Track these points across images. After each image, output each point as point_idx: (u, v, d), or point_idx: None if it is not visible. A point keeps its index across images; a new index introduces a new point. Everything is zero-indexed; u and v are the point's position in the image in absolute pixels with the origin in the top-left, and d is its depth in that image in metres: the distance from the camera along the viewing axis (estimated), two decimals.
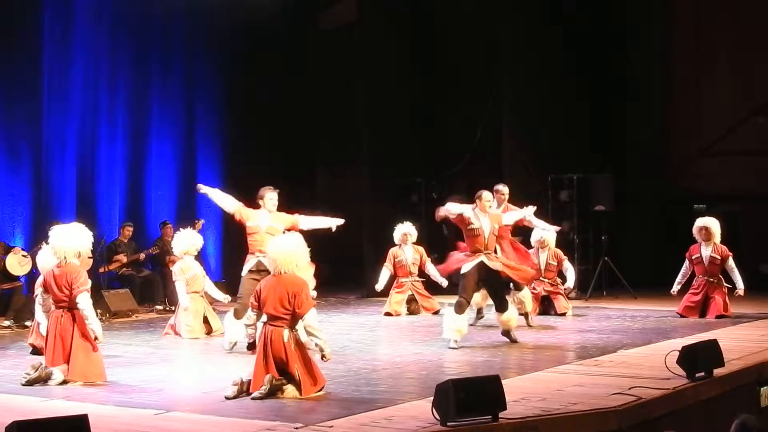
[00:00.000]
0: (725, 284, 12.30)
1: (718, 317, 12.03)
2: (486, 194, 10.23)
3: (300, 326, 7.68)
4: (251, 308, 7.82)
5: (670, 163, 16.43)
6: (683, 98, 16.79)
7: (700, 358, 7.83)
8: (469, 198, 10.52)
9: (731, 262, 12.23)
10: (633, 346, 9.78)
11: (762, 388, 8.38)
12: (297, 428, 6.31)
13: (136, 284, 14.21)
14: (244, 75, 16.62)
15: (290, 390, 7.39)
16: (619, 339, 10.34)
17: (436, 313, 13.05)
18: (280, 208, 10.17)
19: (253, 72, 16.62)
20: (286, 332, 7.46)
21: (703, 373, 7.78)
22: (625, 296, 14.42)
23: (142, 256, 14.57)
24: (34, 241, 13.60)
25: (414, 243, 13.59)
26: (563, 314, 12.61)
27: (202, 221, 14.21)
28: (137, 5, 15.38)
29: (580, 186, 15.30)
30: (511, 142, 15.67)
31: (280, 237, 7.85)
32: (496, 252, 10.54)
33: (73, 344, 8.18)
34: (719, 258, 12.21)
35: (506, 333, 10.32)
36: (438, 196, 16.93)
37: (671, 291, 12.51)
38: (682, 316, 12.29)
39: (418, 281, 13.51)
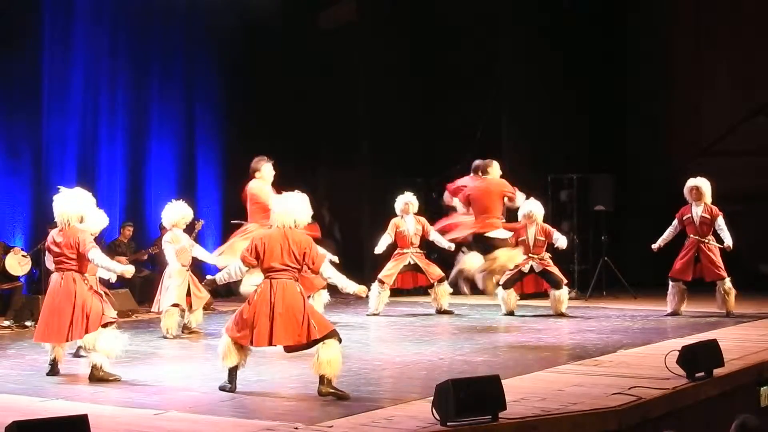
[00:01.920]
0: (716, 244, 12.30)
1: (716, 279, 12.13)
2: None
3: None
4: (244, 263, 7.72)
5: (670, 163, 16.43)
6: (683, 98, 16.78)
7: (700, 358, 7.83)
8: None
9: (721, 220, 12.23)
10: (633, 346, 9.78)
11: (762, 388, 8.38)
12: (297, 428, 6.31)
13: (136, 284, 14.19)
14: (244, 75, 16.62)
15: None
16: (619, 339, 10.34)
17: (446, 313, 13.05)
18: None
19: (253, 72, 16.62)
20: (297, 285, 7.57)
21: (703, 373, 7.79)
22: (625, 296, 14.42)
23: (146, 256, 14.56)
24: (34, 241, 13.61)
25: (415, 213, 13.44)
26: (561, 314, 12.63)
27: (202, 222, 14.22)
28: (137, 5, 15.38)
29: (580, 186, 15.30)
30: (511, 142, 15.66)
31: (285, 194, 7.91)
32: None
33: (78, 304, 8.27)
34: (709, 217, 12.23)
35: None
36: (438, 195, 16.93)
37: (653, 246, 12.56)
38: (675, 280, 12.30)
39: (419, 252, 13.39)
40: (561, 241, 12.80)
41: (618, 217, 15.45)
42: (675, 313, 12.29)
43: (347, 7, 17.17)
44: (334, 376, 7.43)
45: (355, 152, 16.54)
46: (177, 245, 11.38)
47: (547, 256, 12.81)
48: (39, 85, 14.21)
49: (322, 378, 7.41)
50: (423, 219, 13.49)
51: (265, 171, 11.28)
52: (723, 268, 12.19)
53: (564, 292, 12.74)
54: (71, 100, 14.63)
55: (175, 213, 11.49)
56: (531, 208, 12.63)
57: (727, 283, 12.15)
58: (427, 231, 13.35)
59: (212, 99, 16.59)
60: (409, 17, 16.92)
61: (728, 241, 12.18)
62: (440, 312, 13.09)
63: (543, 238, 12.73)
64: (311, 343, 7.49)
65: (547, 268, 12.73)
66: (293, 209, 7.71)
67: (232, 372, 7.69)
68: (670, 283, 12.40)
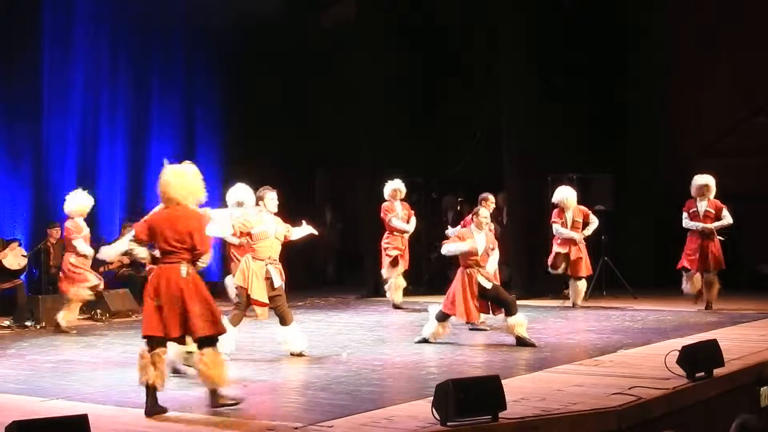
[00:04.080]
0: (718, 236, 12.74)
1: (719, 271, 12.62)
2: (483, 210, 10.42)
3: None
4: (136, 239, 7.16)
5: (670, 163, 16.42)
6: (683, 98, 16.78)
7: (700, 358, 7.83)
8: (470, 201, 10.58)
9: (725, 211, 12.71)
10: (633, 346, 9.78)
11: (762, 388, 8.37)
12: (297, 428, 6.31)
13: (136, 284, 14.19)
14: (244, 75, 16.62)
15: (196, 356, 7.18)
16: (619, 339, 10.34)
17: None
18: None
19: (253, 72, 16.62)
20: (183, 268, 7.00)
21: (703, 373, 7.78)
22: (625, 296, 14.41)
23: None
24: (34, 241, 13.61)
25: (402, 200, 13.79)
26: (574, 305, 13.17)
27: None
28: (137, 5, 15.38)
29: (580, 186, 15.28)
30: (511, 143, 15.65)
31: (175, 166, 7.17)
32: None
33: None
34: (714, 211, 12.72)
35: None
36: (438, 196, 16.94)
37: (709, 226, 12.75)
38: (685, 270, 12.73)
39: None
40: (592, 225, 13.32)
41: (618, 217, 15.45)
42: (707, 306, 12.66)
43: (347, 7, 17.16)
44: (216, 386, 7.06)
45: (355, 152, 16.53)
46: (81, 234, 11.63)
47: (589, 230, 13.28)
48: (39, 85, 14.22)
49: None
50: (407, 205, 13.84)
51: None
52: (722, 261, 12.62)
53: (583, 284, 13.27)
54: (71, 100, 14.64)
55: (75, 202, 11.62)
56: (563, 195, 13.21)
57: (713, 275, 12.60)
58: (410, 215, 13.76)
59: (212, 99, 16.59)
60: (409, 17, 16.91)
61: (726, 221, 12.64)
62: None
63: (581, 219, 13.25)
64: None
65: (579, 256, 13.20)
66: (191, 185, 7.10)
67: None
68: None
